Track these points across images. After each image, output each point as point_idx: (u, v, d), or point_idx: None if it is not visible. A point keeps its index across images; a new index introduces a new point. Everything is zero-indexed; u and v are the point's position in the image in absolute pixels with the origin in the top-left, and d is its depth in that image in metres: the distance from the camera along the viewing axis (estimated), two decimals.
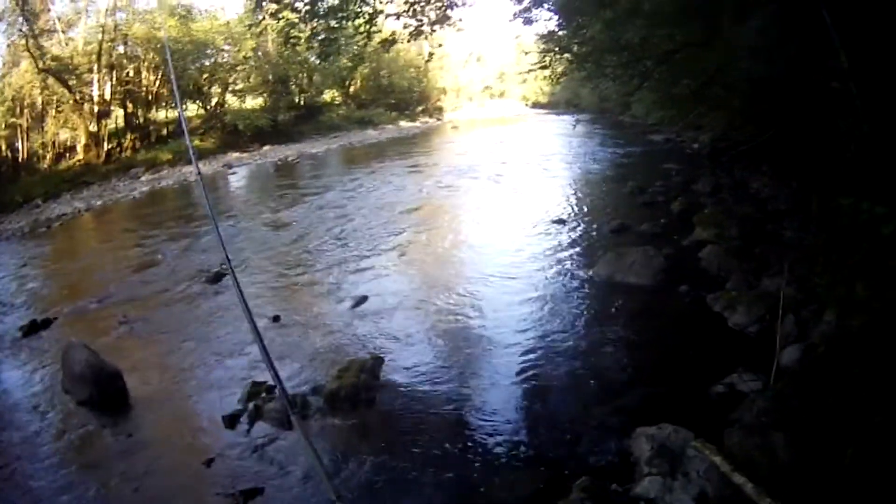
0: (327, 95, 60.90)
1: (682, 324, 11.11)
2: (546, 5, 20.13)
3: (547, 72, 23.75)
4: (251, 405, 9.52)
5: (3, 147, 35.14)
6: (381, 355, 10.78)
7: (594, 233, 17.33)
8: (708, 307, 11.36)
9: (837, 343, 7.91)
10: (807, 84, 11.92)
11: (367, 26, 15.36)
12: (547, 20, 22.13)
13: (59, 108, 37.48)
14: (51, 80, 36.16)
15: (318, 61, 45.51)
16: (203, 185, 7.45)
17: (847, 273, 7.78)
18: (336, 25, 15.31)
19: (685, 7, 15.10)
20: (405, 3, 16.00)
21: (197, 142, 43.43)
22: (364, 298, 13.67)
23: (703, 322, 10.95)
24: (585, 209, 20.51)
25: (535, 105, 78.52)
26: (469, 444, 8.21)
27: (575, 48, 20.61)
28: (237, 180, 36.69)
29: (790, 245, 12.77)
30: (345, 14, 14.99)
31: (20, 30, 34.79)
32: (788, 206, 15.35)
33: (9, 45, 35.89)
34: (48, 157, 36.59)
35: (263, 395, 9.81)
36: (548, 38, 22.75)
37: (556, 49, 21.72)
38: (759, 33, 12.26)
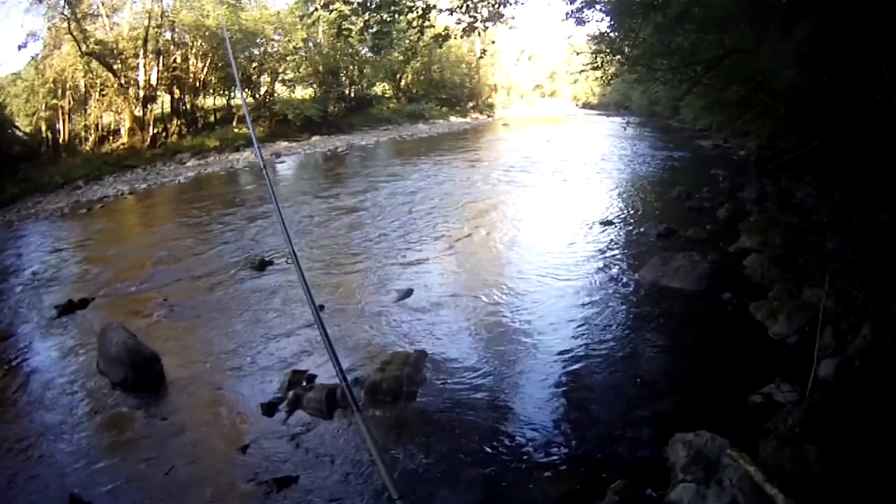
0: (378, 88, 61.18)
1: (723, 331, 11.05)
2: (598, 6, 20.06)
3: (598, 73, 23.66)
4: (290, 394, 9.54)
5: (44, 128, 35.61)
6: (425, 349, 10.82)
7: (641, 236, 17.26)
8: (750, 315, 11.27)
9: (872, 358, 7.85)
10: (850, 95, 11.85)
11: (420, 20, 15.30)
12: (599, 21, 22.06)
13: (103, 92, 37.72)
14: (94, 64, 36.58)
15: (369, 54, 45.68)
16: (266, 173, 7.46)
17: (884, 288, 7.75)
18: (388, 19, 15.31)
19: (734, 13, 15.05)
20: None
21: (245, 129, 43.37)
22: (410, 291, 13.70)
23: (744, 330, 10.86)
24: (633, 211, 20.48)
25: (585, 105, 78.58)
26: (506, 443, 8.19)
27: (626, 50, 20.57)
28: (285, 169, 36.76)
29: (832, 257, 12.67)
30: (398, 8, 14.98)
31: (62, 12, 35.17)
32: (831, 218, 15.22)
33: (49, 28, 36.20)
34: (91, 140, 36.90)
35: (304, 383, 9.86)
36: (599, 39, 22.71)
37: (608, 50, 21.68)
38: (805, 42, 12.20)
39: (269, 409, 9.30)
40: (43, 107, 35.42)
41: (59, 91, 35.64)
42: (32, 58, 36.72)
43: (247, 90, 47.31)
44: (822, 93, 13.54)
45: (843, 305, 9.92)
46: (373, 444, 4.15)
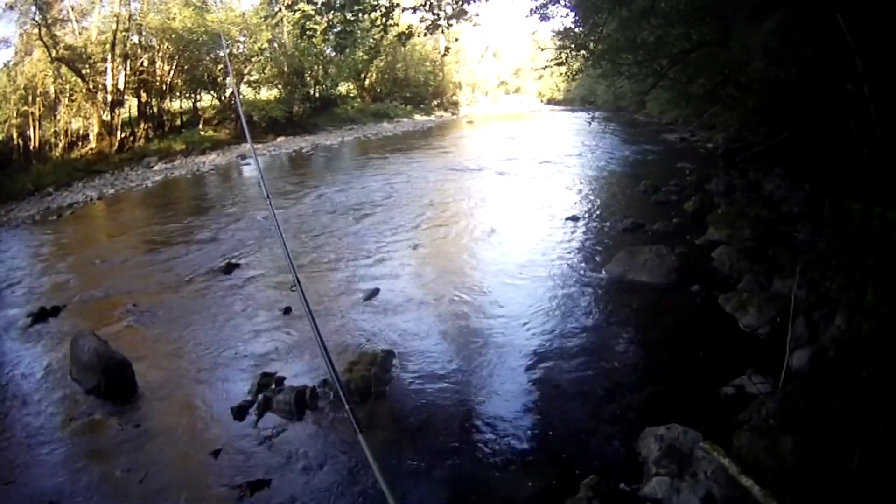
0: (342, 88, 61.21)
1: (693, 324, 11.13)
2: (562, 2, 20.11)
3: (563, 68, 23.61)
4: (260, 396, 9.54)
5: (15, 135, 35.19)
6: (393, 349, 10.85)
7: (607, 231, 17.38)
8: (719, 308, 11.37)
9: (846, 347, 7.87)
10: (821, 86, 11.92)
11: (384, 19, 15.31)
12: (563, 17, 22.12)
13: (72, 97, 37.55)
14: (64, 69, 36.33)
15: (333, 54, 45.66)
16: (263, 179, 7.48)
17: (857, 277, 7.77)
18: (352, 18, 15.32)
19: (700, 6, 15.11)
20: None
21: (211, 132, 43.79)
22: (376, 291, 13.74)
23: (714, 322, 10.96)
24: (599, 207, 20.60)
25: (551, 101, 79.34)
26: (477, 440, 8.24)
27: (591, 45, 20.60)
28: (251, 171, 36.40)
29: (803, 248, 12.74)
30: (361, 7, 14.98)
31: (33, 18, 34.96)
32: (801, 209, 15.33)
33: (21, 34, 36.03)
34: (60, 146, 36.67)
35: (273, 385, 9.87)
36: (564, 34, 22.69)
37: (573, 46, 21.72)
38: (774, 34, 12.24)
39: (240, 412, 9.32)
40: (14, 114, 35.06)
41: (30, 97, 35.38)
42: (4, 64, 36.51)
43: (212, 92, 47.66)
44: (792, 85, 13.60)
45: (815, 296, 9.91)
46: (378, 468, 4.11)
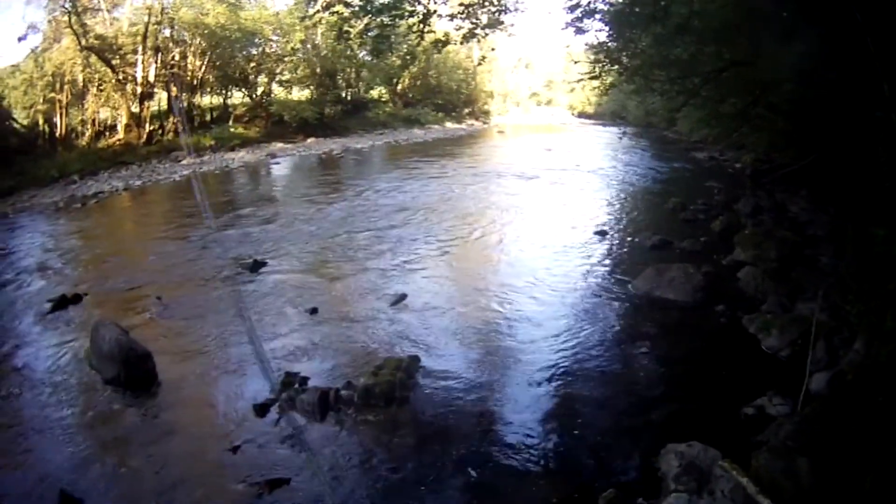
0: (375, 92, 61.06)
1: (716, 343, 11.13)
2: (598, 16, 20.06)
3: (595, 82, 23.49)
4: (283, 395, 9.58)
5: (41, 121, 35.56)
6: (417, 355, 10.86)
7: (635, 246, 17.36)
8: (743, 328, 11.35)
9: (865, 372, 7.88)
10: (849, 111, 11.87)
11: (421, 26, 15.33)
12: (598, 31, 22.07)
13: (101, 87, 37.80)
14: (93, 59, 36.58)
15: (367, 57, 45.20)
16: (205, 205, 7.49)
17: (878, 303, 7.77)
18: (389, 23, 15.33)
19: (733, 25, 15.07)
20: (459, 4, 16.03)
21: (241, 129, 44.01)
22: (403, 297, 13.73)
23: (737, 342, 10.94)
24: (628, 222, 20.64)
25: (581, 115, 78.31)
26: (497, 450, 8.25)
27: (624, 60, 20.54)
28: (280, 170, 36.88)
29: (825, 271, 12.77)
30: (398, 12, 15.01)
31: (63, 6, 35.05)
32: (825, 232, 15.33)
33: (50, 21, 36.19)
34: (87, 135, 36.94)
35: (297, 385, 9.89)
36: (598, 49, 22.61)
37: (606, 60, 21.67)
38: (804, 56, 12.22)
39: (262, 410, 9.35)
40: (41, 100, 35.32)
41: (58, 85, 35.54)
42: (32, 50, 36.61)
43: (244, 90, 47.61)
44: (820, 107, 13.56)
45: (836, 319, 9.98)
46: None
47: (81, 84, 37.20)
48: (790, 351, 10.21)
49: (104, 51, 36.53)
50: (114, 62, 37.16)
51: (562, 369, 10.39)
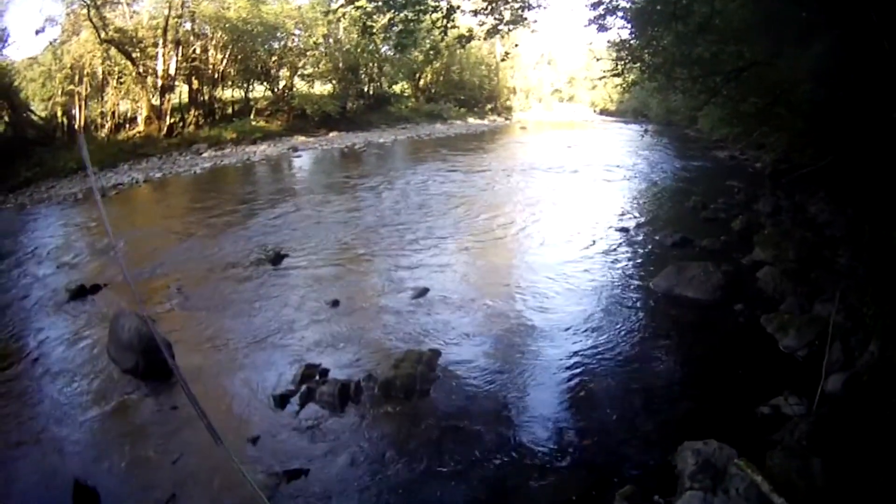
0: (397, 87, 61.19)
1: (735, 342, 11.09)
2: (620, 13, 20.07)
3: (618, 79, 23.52)
4: (303, 387, 9.65)
5: (59, 113, 35.73)
6: (438, 349, 10.92)
7: (656, 244, 17.32)
8: (761, 327, 11.31)
9: (880, 374, 7.92)
10: (866, 113, 11.86)
11: (444, 21, 15.38)
12: (620, 28, 22.06)
13: (121, 80, 37.99)
14: (113, 51, 36.79)
15: (390, 52, 46.04)
16: (99, 203, 7.47)
17: (893, 306, 7.79)
18: (413, 18, 15.35)
19: (753, 25, 15.06)
20: (483, 0, 16.07)
21: (263, 123, 44.30)
22: (425, 290, 13.80)
23: (755, 342, 10.91)
24: (649, 219, 20.53)
25: (603, 112, 78.17)
26: (515, 444, 8.28)
27: (647, 58, 20.56)
28: (302, 164, 36.97)
29: (843, 272, 12.69)
30: (422, 7, 15.04)
31: None
32: (843, 234, 15.23)
33: (69, 14, 36.39)
34: (107, 127, 37.21)
35: (317, 377, 9.97)
36: (620, 46, 22.63)
37: (629, 58, 21.67)
38: (822, 57, 12.21)
39: (281, 401, 9.40)
40: (59, 92, 35.53)
41: (77, 77, 35.77)
42: (50, 43, 36.92)
43: (265, 83, 47.82)
44: (838, 109, 13.54)
45: (852, 321, 9.99)
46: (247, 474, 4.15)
47: (101, 76, 37.40)
48: (807, 351, 10.17)
49: (124, 44, 36.78)
50: (134, 55, 37.41)
51: (581, 365, 10.42)
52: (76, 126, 35.64)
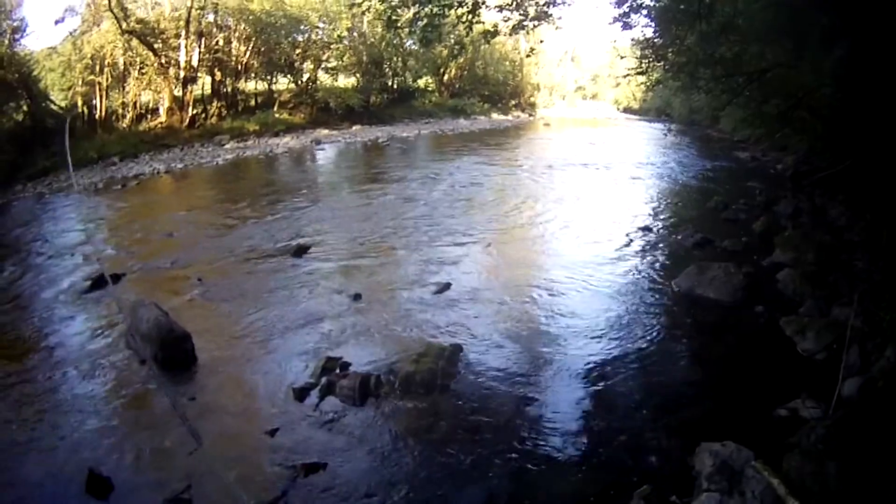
0: (421, 81, 61.06)
1: (754, 343, 11.09)
2: (644, 12, 20.08)
3: (642, 78, 23.62)
4: (323, 380, 9.68)
5: (80, 103, 35.76)
6: (460, 344, 10.95)
7: (678, 244, 17.32)
8: (780, 330, 11.29)
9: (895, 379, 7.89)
10: (885, 118, 11.84)
11: (469, 16, 15.41)
12: (644, 27, 22.07)
13: (143, 70, 37.86)
14: (135, 42, 36.64)
15: (414, 46, 46.10)
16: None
17: None
18: (438, 12, 15.36)
19: (775, 27, 15.04)
20: None
21: (286, 115, 44.26)
22: (448, 285, 13.85)
23: (774, 344, 10.91)
24: (671, 219, 20.59)
25: (627, 110, 78.09)
26: (534, 441, 8.31)
27: (670, 57, 20.59)
28: (325, 157, 37.16)
29: (861, 277, 12.65)
30: (447, 2, 15.05)
31: None
32: (862, 238, 15.19)
33: (89, 4, 36.42)
34: (128, 117, 37.11)
35: (337, 370, 9.99)
36: (644, 44, 22.67)
37: (652, 56, 21.69)
38: (841, 61, 12.19)
39: (301, 393, 9.43)
40: (80, 82, 35.58)
41: (97, 67, 35.75)
42: (70, 33, 36.94)
43: (289, 76, 47.74)
44: (858, 113, 13.51)
45: (870, 326, 9.99)
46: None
47: (122, 67, 37.37)
48: (825, 355, 10.16)
49: (146, 35, 36.66)
50: (156, 46, 37.30)
51: (601, 363, 10.45)
52: (97, 117, 35.81)
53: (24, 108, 32.21)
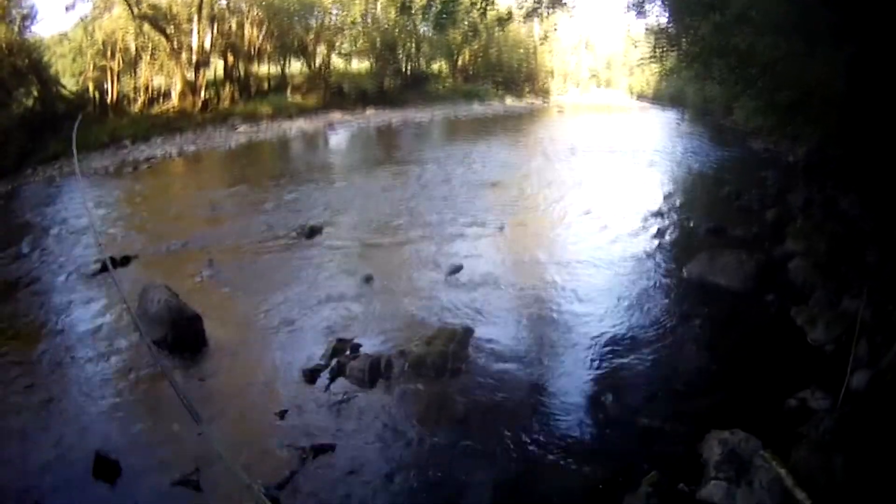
0: (435, 66, 60.98)
1: (764, 332, 11.08)
2: (658, 1, 20.12)
3: (655, 66, 23.65)
4: (334, 361, 9.74)
5: (91, 88, 35.87)
6: (471, 327, 10.98)
7: (690, 230, 17.40)
8: (791, 319, 11.30)
9: None
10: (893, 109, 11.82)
11: (483, 2, 15.41)
12: (658, 14, 22.08)
13: (154, 55, 38.01)
14: (146, 27, 36.71)
15: (428, 31, 46.12)
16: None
17: None
18: None
19: (788, 17, 15.01)
20: None
21: (299, 99, 44.36)
22: (459, 268, 13.93)
23: (784, 333, 10.91)
24: (684, 206, 20.59)
25: (640, 97, 77.74)
26: (543, 426, 8.34)
27: (684, 46, 20.58)
28: (338, 140, 37.41)
29: (871, 269, 12.63)
30: None
31: None
32: (872, 229, 15.16)
33: None
34: (140, 101, 37.22)
35: (348, 352, 10.03)
36: (658, 33, 22.67)
37: (667, 45, 21.69)
38: (852, 52, 12.18)
39: (311, 375, 9.48)
40: (91, 67, 35.77)
41: (109, 52, 35.87)
42: (81, 19, 37.06)
43: (302, 59, 47.78)
44: (868, 104, 13.50)
45: (879, 318, 10.00)
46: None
47: (134, 52, 37.47)
48: (834, 346, 10.15)
49: (158, 19, 36.73)
50: (168, 31, 37.39)
51: (612, 349, 10.49)
52: (108, 101, 35.89)
53: (35, 93, 32.27)
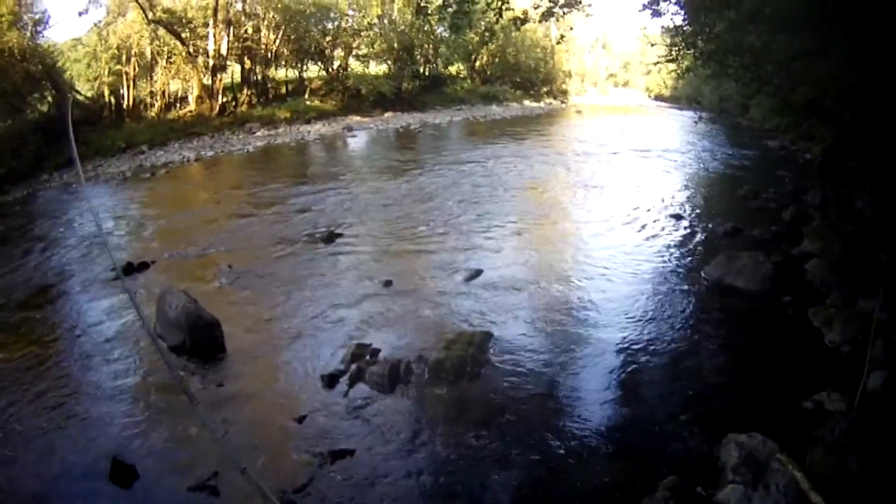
0: (453, 68, 61.22)
1: (781, 334, 11.08)
2: (673, 0, 20.10)
3: (672, 65, 23.62)
4: (353, 366, 9.74)
5: (107, 93, 36.05)
6: (490, 331, 10.96)
7: (708, 232, 17.34)
8: (808, 320, 11.30)
9: None
10: None
11: (499, 3, 15.40)
12: (674, 14, 22.04)
13: (171, 59, 38.14)
14: (161, 32, 36.90)
15: (445, 33, 46.25)
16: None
17: None
18: None
19: (802, 15, 14.97)
20: None
21: (317, 102, 44.43)
22: (478, 272, 13.90)
23: (801, 335, 10.90)
24: (701, 207, 20.56)
25: (658, 97, 78.02)
26: (562, 429, 8.35)
27: (700, 45, 20.55)
28: (357, 143, 37.23)
29: (886, 269, 12.59)
30: None
31: None
32: (887, 230, 15.11)
33: None
34: (156, 106, 37.34)
35: (367, 357, 10.03)
36: (674, 32, 22.66)
37: (682, 44, 21.66)
38: (866, 51, 12.13)
39: (330, 380, 9.50)
40: (106, 72, 35.85)
41: (124, 57, 36.03)
42: (95, 24, 37.24)
43: (319, 63, 48.10)
44: (883, 103, 13.45)
45: (894, 318, 9.95)
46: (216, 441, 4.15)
47: (150, 56, 37.65)
48: (851, 347, 10.14)
49: (173, 24, 36.84)
50: (184, 35, 37.54)
51: (630, 352, 10.49)
52: (124, 106, 36.05)
53: (49, 98, 32.37)
